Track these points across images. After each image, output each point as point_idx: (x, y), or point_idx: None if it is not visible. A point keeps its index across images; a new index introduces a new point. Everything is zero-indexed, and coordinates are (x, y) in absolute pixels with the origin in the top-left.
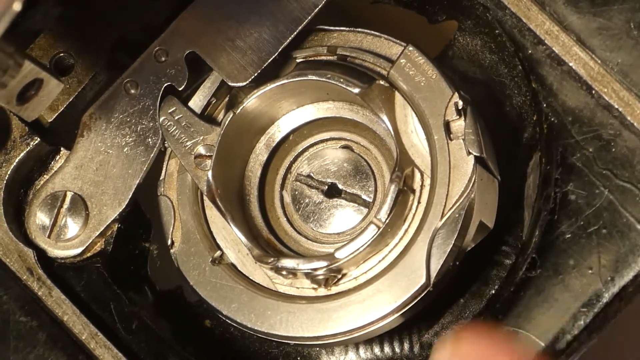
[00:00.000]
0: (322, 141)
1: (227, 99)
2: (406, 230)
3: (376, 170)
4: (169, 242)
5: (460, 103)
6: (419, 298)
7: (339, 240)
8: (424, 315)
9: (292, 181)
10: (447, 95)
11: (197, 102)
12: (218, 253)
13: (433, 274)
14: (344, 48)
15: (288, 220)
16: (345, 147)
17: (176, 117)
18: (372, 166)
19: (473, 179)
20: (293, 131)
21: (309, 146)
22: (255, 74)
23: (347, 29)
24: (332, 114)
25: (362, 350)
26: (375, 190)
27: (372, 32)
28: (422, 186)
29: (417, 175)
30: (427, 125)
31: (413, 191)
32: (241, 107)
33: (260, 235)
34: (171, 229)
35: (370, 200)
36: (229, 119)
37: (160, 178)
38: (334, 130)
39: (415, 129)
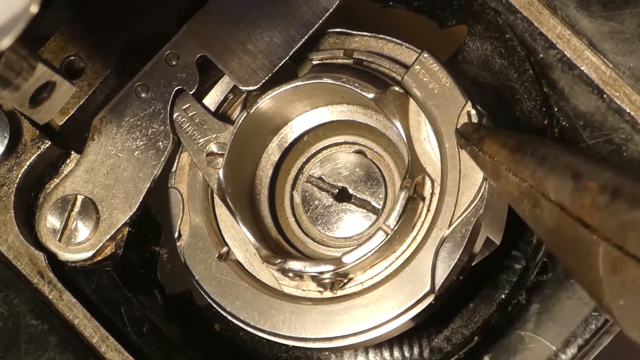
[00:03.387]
0: (336, 144)
1: (244, 95)
2: (414, 238)
3: (387, 178)
4: (176, 234)
5: (474, 112)
6: (421, 305)
7: (346, 244)
8: (433, 320)
9: (303, 182)
10: (460, 103)
11: (214, 97)
12: (225, 249)
13: (438, 284)
14: (361, 52)
15: (297, 221)
16: (358, 152)
17: (190, 114)
18: (383, 173)
19: (482, 188)
20: (307, 132)
21: (322, 148)
22: (266, 78)
23: (369, 34)
24: (346, 117)
25: (371, 355)
26: (385, 198)
27: (393, 39)
28: (432, 194)
29: (428, 182)
30: (439, 132)
31: (423, 199)
32: (255, 107)
33: (268, 235)
34: (179, 221)
35: (380, 208)
36: (242, 118)
37: (172, 170)
38: (348, 134)
39: (427, 136)
